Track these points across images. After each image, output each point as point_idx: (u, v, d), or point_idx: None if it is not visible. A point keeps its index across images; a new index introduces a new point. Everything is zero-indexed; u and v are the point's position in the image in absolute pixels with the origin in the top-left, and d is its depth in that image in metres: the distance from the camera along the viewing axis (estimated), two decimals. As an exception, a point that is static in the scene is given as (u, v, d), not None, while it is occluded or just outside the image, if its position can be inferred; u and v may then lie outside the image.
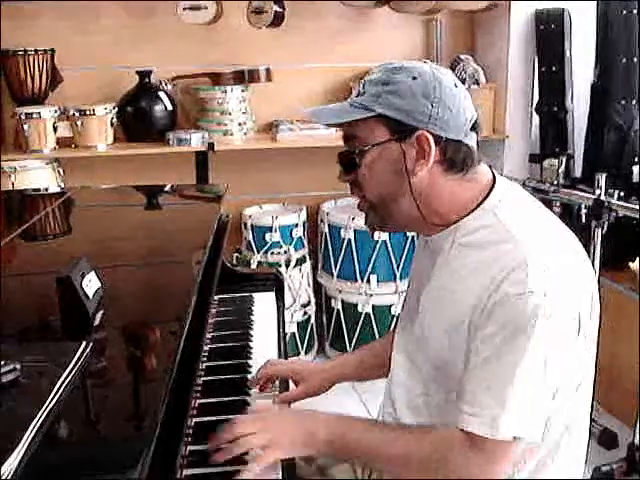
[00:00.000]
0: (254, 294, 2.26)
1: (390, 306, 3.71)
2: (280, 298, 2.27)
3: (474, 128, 1.40)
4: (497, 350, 1.28)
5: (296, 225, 3.73)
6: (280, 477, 1.37)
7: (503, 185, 1.44)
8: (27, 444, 0.93)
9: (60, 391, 1.06)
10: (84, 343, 1.21)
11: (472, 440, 1.30)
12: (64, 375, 1.10)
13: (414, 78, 1.36)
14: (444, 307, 1.39)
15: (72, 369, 1.13)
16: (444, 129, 1.36)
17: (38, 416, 0.99)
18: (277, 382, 1.74)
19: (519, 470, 1.40)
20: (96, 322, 1.36)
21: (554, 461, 1.42)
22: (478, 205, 1.40)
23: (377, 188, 1.42)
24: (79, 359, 1.16)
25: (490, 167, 1.47)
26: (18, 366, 1.07)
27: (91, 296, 1.36)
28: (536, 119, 3.79)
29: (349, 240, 3.64)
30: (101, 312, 1.38)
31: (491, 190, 1.41)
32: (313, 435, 1.38)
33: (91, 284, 1.38)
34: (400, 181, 1.39)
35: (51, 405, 1.03)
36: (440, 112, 1.35)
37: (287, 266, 3.67)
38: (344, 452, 1.41)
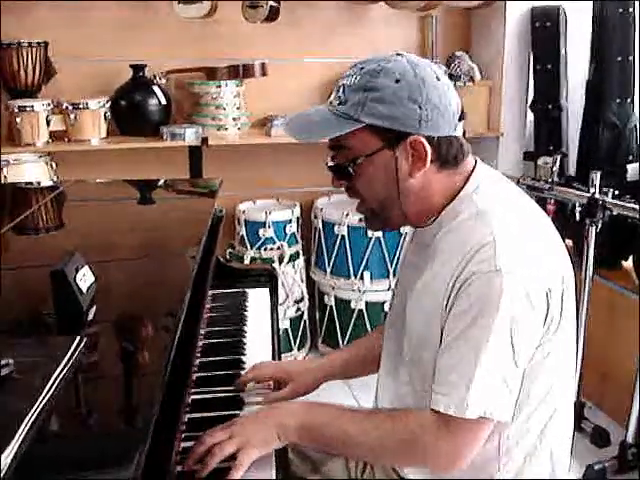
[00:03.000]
0: (248, 290, 2.26)
1: (383, 303, 3.69)
2: (274, 294, 2.27)
3: (460, 118, 1.40)
4: (465, 329, 1.29)
5: (290, 221, 3.72)
6: (274, 475, 1.37)
7: (481, 170, 1.45)
8: (21, 440, 0.92)
9: (54, 386, 1.05)
10: (78, 338, 1.20)
11: (442, 419, 1.32)
12: (58, 370, 1.09)
13: (397, 81, 1.34)
14: (426, 294, 1.40)
15: (66, 364, 1.12)
16: (435, 129, 1.36)
17: (32, 411, 0.98)
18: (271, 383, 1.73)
19: (507, 461, 1.41)
20: (90, 317, 1.35)
21: (542, 450, 1.43)
22: (459, 192, 1.41)
23: (375, 195, 1.42)
24: (73, 354, 1.15)
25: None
26: (11, 361, 1.06)
27: (85, 291, 1.35)
28: (531, 117, 3.80)
29: (343, 236, 3.64)
30: (95, 307, 1.37)
31: (471, 175, 1.43)
32: (284, 426, 1.39)
33: (85, 278, 1.37)
34: (397, 186, 1.39)
35: (45, 400, 1.01)
36: (429, 113, 1.34)
37: (280, 262, 3.66)
38: (317, 439, 1.42)
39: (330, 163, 1.44)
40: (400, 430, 1.37)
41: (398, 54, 1.40)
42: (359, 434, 1.38)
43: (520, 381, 1.33)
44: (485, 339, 1.27)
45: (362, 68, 1.38)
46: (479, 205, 1.37)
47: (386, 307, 3.68)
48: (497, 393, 1.30)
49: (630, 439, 2.85)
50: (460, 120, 1.40)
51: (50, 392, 1.04)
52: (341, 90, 1.38)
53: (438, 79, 1.37)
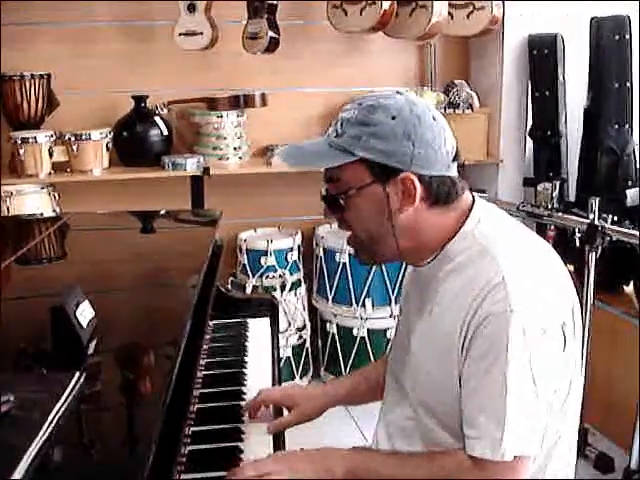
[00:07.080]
0: (248, 319, 2.26)
1: (385, 330, 3.70)
2: (275, 324, 2.27)
3: (455, 158, 1.41)
4: (486, 371, 1.30)
5: (291, 249, 3.73)
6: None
7: (480, 206, 1.46)
8: (21, 476, 0.93)
9: (54, 422, 1.06)
10: (78, 373, 1.20)
11: (479, 463, 1.32)
12: (58, 406, 1.10)
13: (393, 118, 1.35)
14: (434, 334, 1.41)
15: (66, 399, 1.12)
16: (427, 167, 1.37)
17: (32, 447, 0.98)
18: (271, 408, 1.74)
19: None
20: (90, 351, 1.36)
21: (547, 473, 1.44)
22: (459, 229, 1.42)
23: (364, 228, 1.44)
24: (73, 389, 1.16)
25: (471, 190, 1.48)
26: (12, 397, 1.07)
27: (85, 325, 1.36)
28: (530, 143, 3.82)
29: (344, 264, 3.65)
30: (95, 341, 1.38)
31: (470, 212, 1.43)
32: (330, 471, 1.41)
33: (85, 313, 1.38)
34: (386, 221, 1.40)
35: (45, 436, 1.02)
36: (422, 151, 1.35)
37: (282, 290, 3.67)
38: None
39: (324, 194, 1.46)
40: (437, 473, 1.37)
41: (398, 92, 1.42)
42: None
43: (545, 413, 1.34)
44: (508, 379, 1.28)
45: (360, 104, 1.40)
46: (482, 243, 1.38)
47: (388, 334, 3.68)
48: (528, 431, 1.31)
49: (634, 465, 2.83)
50: (454, 160, 1.41)
51: (50, 428, 1.04)
52: (339, 123, 1.40)
53: (434, 119, 1.39)
